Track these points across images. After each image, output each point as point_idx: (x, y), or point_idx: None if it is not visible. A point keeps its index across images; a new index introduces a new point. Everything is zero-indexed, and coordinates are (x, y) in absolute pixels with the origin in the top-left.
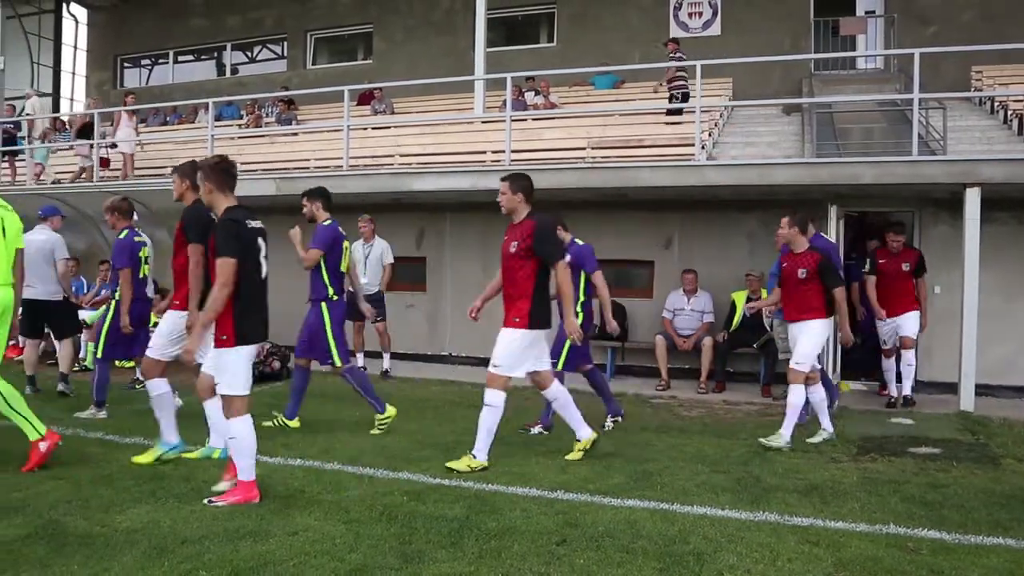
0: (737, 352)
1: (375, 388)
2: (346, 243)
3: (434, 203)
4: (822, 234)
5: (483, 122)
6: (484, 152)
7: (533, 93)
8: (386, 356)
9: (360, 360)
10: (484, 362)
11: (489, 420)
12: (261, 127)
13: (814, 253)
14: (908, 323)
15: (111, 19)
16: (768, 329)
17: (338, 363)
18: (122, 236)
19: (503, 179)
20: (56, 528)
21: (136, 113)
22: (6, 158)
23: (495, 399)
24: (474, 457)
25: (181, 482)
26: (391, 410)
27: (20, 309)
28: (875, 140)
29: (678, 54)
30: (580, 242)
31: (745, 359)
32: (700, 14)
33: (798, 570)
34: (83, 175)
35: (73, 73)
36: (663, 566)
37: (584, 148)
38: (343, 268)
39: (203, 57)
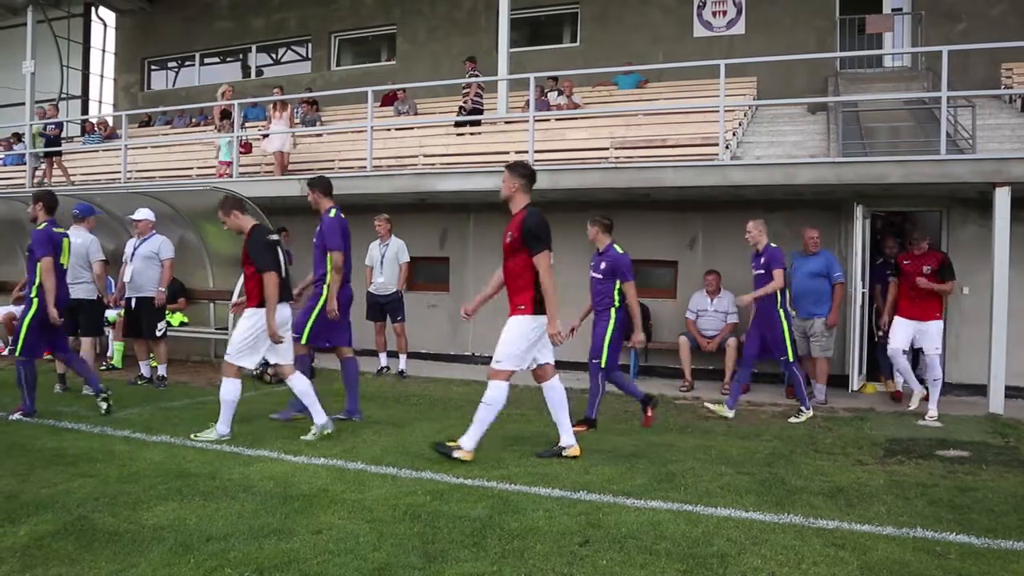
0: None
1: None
2: None
3: (457, 203)
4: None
5: (506, 122)
6: (507, 152)
7: (556, 93)
8: (402, 357)
9: (383, 360)
10: None
11: None
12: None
13: None
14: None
15: (138, 22)
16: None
17: None
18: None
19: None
20: (84, 524)
21: (284, 108)
22: (44, 158)
23: None
24: None
25: (207, 480)
26: None
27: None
28: (902, 139)
29: (474, 72)
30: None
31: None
32: (724, 12)
33: (823, 573)
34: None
35: (101, 76)
36: (686, 568)
37: (607, 148)
38: None
39: (228, 59)
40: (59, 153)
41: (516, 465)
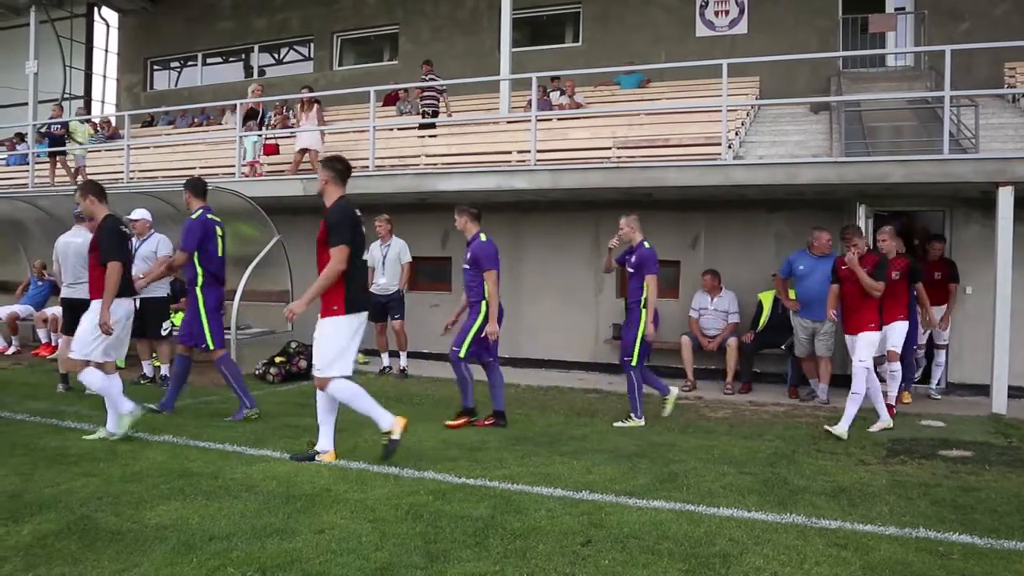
0: (764, 353)
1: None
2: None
3: (459, 203)
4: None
5: (508, 122)
6: (510, 152)
7: (558, 93)
8: (403, 355)
9: (385, 360)
10: (510, 362)
11: None
12: (288, 126)
13: None
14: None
15: (141, 22)
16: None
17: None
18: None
19: None
20: (87, 524)
21: (311, 107)
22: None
23: None
24: None
25: (209, 479)
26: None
27: (60, 308)
28: (905, 139)
29: (431, 75)
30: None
31: (772, 359)
32: (727, 12)
33: (826, 573)
34: (253, 167)
35: (104, 76)
36: (689, 568)
37: (610, 148)
38: None
39: (231, 59)
40: (63, 153)
41: (518, 465)
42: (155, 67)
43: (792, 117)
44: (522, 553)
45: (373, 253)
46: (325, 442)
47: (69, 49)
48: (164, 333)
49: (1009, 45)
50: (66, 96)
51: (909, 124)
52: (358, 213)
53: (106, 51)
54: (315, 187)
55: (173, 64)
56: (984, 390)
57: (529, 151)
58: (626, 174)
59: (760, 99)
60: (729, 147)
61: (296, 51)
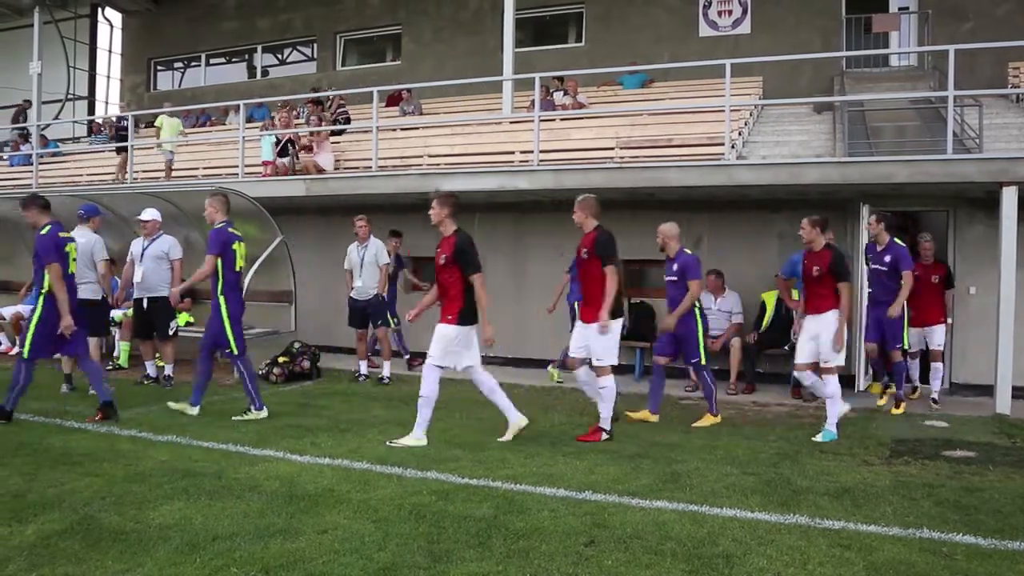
0: (767, 353)
1: None
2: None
3: (462, 203)
4: None
5: (511, 122)
6: (512, 152)
7: (561, 93)
8: (386, 364)
9: (363, 368)
10: (511, 362)
11: None
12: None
13: None
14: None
15: (144, 23)
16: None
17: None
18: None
19: None
20: (91, 524)
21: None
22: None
23: None
24: None
25: (213, 479)
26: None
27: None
28: (908, 138)
29: (333, 88)
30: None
31: (775, 360)
32: (730, 12)
33: (829, 574)
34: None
35: (108, 76)
36: (692, 568)
37: (612, 148)
38: None
39: (234, 59)
40: (126, 149)
41: (521, 465)
42: (159, 67)
43: (795, 117)
44: (525, 553)
45: (350, 256)
46: None
47: (73, 50)
48: (171, 332)
49: (1013, 45)
50: (70, 96)
51: (912, 124)
52: None
53: (110, 52)
54: None
55: (176, 64)
56: (988, 390)
57: (532, 151)
58: (629, 174)
59: (763, 99)
60: (732, 147)
61: (299, 51)
